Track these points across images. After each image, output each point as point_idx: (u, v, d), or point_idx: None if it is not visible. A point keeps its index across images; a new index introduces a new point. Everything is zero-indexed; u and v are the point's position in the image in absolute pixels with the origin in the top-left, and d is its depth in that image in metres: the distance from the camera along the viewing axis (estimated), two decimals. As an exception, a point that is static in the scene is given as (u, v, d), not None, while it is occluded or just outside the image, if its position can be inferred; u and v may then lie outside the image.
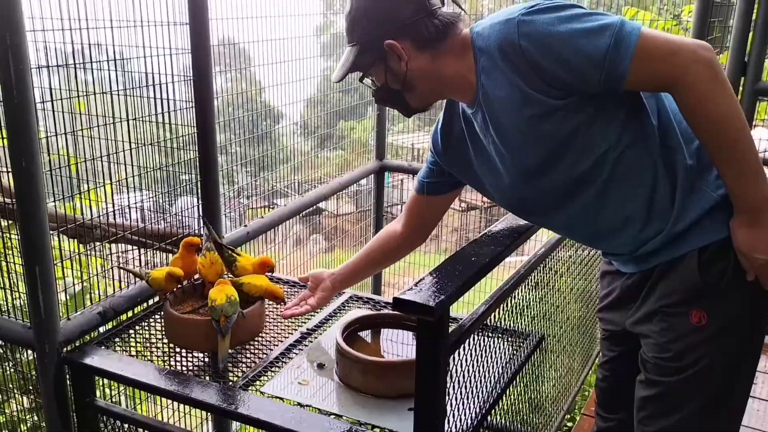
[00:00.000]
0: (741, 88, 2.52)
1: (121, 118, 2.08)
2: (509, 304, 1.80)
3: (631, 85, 1.25)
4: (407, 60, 1.40)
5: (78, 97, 2.01)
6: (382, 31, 1.39)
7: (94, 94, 2.02)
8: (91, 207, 2.16)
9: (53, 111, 1.88)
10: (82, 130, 2.05)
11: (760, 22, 2.43)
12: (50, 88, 1.96)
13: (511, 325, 1.86)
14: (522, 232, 1.70)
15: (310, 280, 1.99)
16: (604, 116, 1.32)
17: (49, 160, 2.04)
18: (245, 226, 2.53)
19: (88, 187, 2.14)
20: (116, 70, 2.08)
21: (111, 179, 2.11)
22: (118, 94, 2.07)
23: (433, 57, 1.41)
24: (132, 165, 2.13)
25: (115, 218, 2.19)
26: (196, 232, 2.33)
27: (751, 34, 2.46)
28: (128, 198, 2.30)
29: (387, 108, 3.84)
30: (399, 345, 1.92)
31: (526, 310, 1.95)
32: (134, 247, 2.26)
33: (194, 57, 2.16)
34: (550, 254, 2.03)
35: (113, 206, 2.18)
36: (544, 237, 2.39)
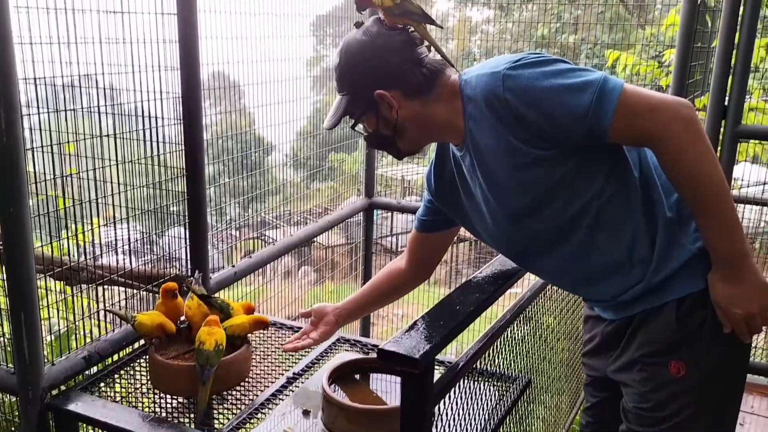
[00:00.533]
0: (722, 130, 2.58)
1: (110, 161, 2.09)
2: (496, 348, 1.80)
3: (613, 139, 1.28)
4: (397, 108, 1.44)
5: (68, 134, 2.03)
6: (371, 81, 1.43)
7: (85, 139, 2.03)
8: (78, 243, 2.16)
9: (42, 148, 1.89)
10: (70, 166, 2.06)
11: (738, 67, 2.49)
12: (39, 129, 1.98)
13: (498, 369, 1.87)
14: (510, 276, 1.71)
15: (313, 315, 1.95)
16: (588, 167, 1.35)
17: (37, 200, 2.05)
18: (233, 266, 2.54)
19: (75, 226, 2.14)
20: (105, 105, 2.09)
21: (99, 212, 2.12)
22: (108, 134, 2.09)
23: (423, 104, 1.44)
24: (120, 194, 2.13)
25: (102, 259, 2.18)
26: (185, 265, 2.33)
27: (730, 79, 2.51)
28: (116, 231, 2.30)
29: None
30: (387, 390, 1.92)
31: (512, 353, 1.96)
32: (121, 288, 2.26)
33: (184, 95, 2.17)
34: (536, 297, 2.04)
35: (100, 241, 2.18)
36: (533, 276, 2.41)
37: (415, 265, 1.84)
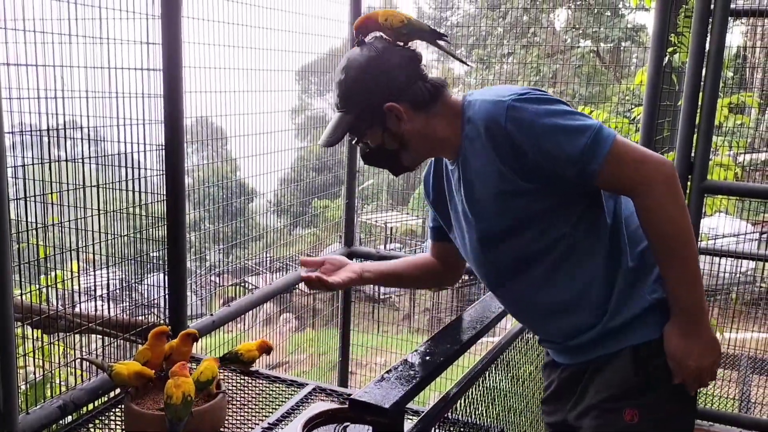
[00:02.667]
0: (689, 185, 2.67)
1: (92, 210, 2.13)
2: (469, 397, 1.82)
3: (599, 183, 1.37)
4: (405, 120, 1.47)
5: (51, 183, 2.07)
6: (380, 94, 1.45)
7: (68, 190, 2.07)
8: (57, 290, 2.17)
9: (25, 199, 1.93)
10: (53, 216, 2.10)
11: (703, 125, 2.60)
12: (24, 178, 2.02)
13: (471, 417, 1.89)
14: (484, 323, 1.75)
15: (327, 263, 1.73)
16: (566, 206, 1.43)
17: (18, 248, 2.07)
18: (211, 314, 2.55)
19: (55, 273, 2.16)
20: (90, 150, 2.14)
21: (78, 258, 2.14)
22: (91, 185, 2.13)
23: (427, 118, 1.48)
24: (101, 242, 2.16)
25: (80, 307, 2.20)
26: (164, 312, 2.35)
27: (695, 136, 2.62)
28: (95, 278, 2.32)
29: (356, 194, 3.92)
30: (361, 440, 1.93)
31: (486, 401, 1.98)
32: (98, 336, 2.26)
33: (167, 129, 2.21)
34: (510, 344, 2.08)
35: (79, 288, 2.20)
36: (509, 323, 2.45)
37: (444, 267, 1.80)
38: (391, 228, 6.30)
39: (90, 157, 2.13)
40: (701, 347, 1.37)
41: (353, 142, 1.56)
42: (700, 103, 2.63)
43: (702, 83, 2.62)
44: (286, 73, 3.13)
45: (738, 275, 4.64)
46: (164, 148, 2.21)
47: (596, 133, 1.33)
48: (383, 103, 1.45)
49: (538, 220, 1.43)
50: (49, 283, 2.16)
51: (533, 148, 1.34)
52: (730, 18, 2.64)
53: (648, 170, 1.33)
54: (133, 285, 2.56)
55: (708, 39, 2.58)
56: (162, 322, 2.32)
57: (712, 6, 2.58)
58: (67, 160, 2.08)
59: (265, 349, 2.25)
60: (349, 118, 1.49)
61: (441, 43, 1.58)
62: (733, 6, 2.70)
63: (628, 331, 1.44)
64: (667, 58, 3.07)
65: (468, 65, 1.72)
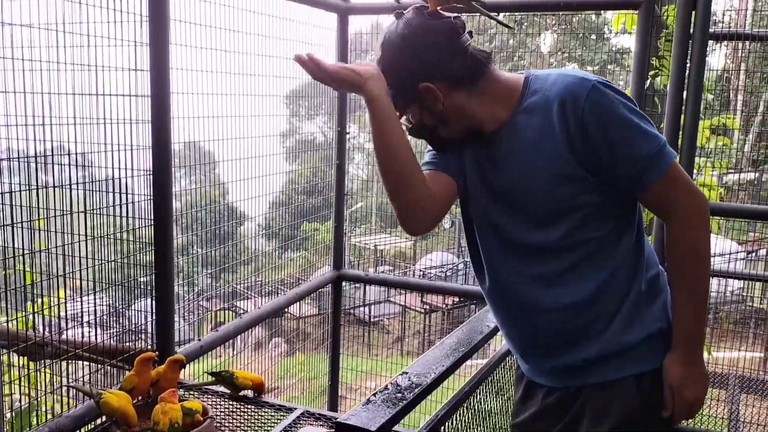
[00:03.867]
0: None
1: (80, 235, 2.12)
2: (457, 419, 1.82)
3: (645, 195, 1.38)
4: (443, 99, 1.43)
5: (38, 209, 2.07)
6: (415, 74, 1.41)
7: (55, 216, 2.07)
8: (43, 316, 2.16)
9: (12, 225, 1.93)
10: (40, 239, 2.09)
11: (685, 148, 2.64)
12: (11, 205, 2.02)
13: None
14: (472, 345, 1.75)
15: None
16: (610, 208, 1.41)
17: (5, 275, 2.06)
18: (199, 339, 2.54)
19: (42, 300, 2.15)
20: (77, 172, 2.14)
21: (65, 284, 2.13)
22: (78, 210, 2.13)
23: (469, 93, 1.43)
24: (88, 269, 2.15)
25: (66, 333, 2.19)
26: (152, 338, 2.33)
27: (678, 158, 2.67)
28: (82, 304, 2.31)
29: (345, 217, 3.92)
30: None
31: (474, 423, 1.98)
32: (86, 363, 2.25)
33: (155, 153, 2.21)
34: (498, 365, 2.08)
35: (66, 314, 2.18)
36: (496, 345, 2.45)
37: (431, 200, 1.50)
38: (381, 250, 6.31)
39: (78, 183, 2.14)
40: (698, 378, 1.39)
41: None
42: (682, 124, 2.68)
43: (683, 106, 2.66)
44: (274, 98, 3.16)
45: (727, 295, 4.68)
46: (152, 173, 2.22)
47: (663, 146, 1.34)
48: (417, 83, 1.41)
49: (579, 213, 1.39)
50: (36, 310, 2.15)
51: (600, 133, 1.31)
52: (710, 41, 2.70)
53: (693, 201, 1.36)
54: (121, 311, 2.55)
55: (688, 62, 2.64)
56: (149, 347, 2.31)
57: (692, 30, 2.63)
58: (54, 186, 2.08)
59: (258, 387, 2.29)
60: (391, 92, 1.43)
61: (476, 5, 1.49)
62: (712, 30, 2.76)
63: (630, 357, 1.42)
64: (649, 81, 3.13)
65: (508, 27, 1.69)
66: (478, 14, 1.59)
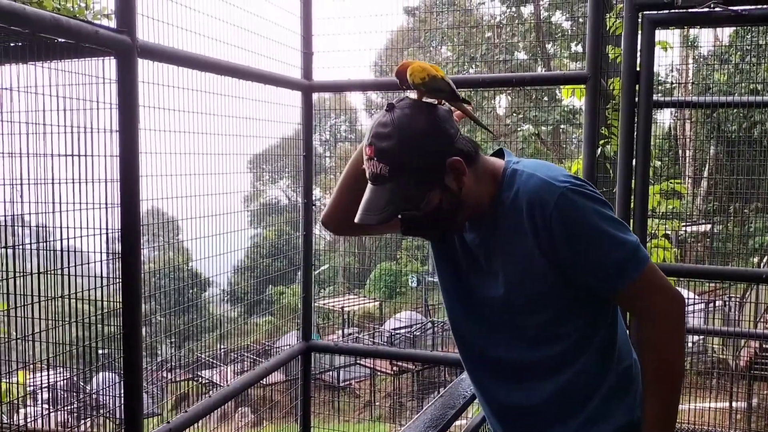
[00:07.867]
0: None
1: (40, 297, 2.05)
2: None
3: (618, 299, 1.37)
4: (467, 174, 1.35)
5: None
6: (439, 151, 1.32)
7: (8, 278, 2.01)
8: (1, 402, 2.05)
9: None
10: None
11: (638, 212, 2.73)
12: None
13: None
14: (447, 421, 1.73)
15: None
16: (580, 305, 1.39)
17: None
18: (168, 423, 2.40)
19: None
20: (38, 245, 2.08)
21: (25, 360, 2.03)
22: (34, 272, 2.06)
23: (474, 175, 1.38)
24: (47, 342, 2.06)
25: (26, 421, 2.08)
26: (116, 414, 2.22)
27: (632, 221, 2.75)
28: (41, 378, 2.21)
29: (313, 286, 3.84)
30: None
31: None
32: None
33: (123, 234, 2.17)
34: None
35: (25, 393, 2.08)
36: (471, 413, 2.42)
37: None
38: (348, 312, 6.26)
39: (36, 245, 2.06)
40: None
41: (403, 210, 1.36)
42: (632, 188, 2.75)
43: (633, 172, 2.75)
44: (239, 157, 3.17)
45: (688, 345, 4.75)
46: (120, 231, 2.15)
47: (635, 251, 1.31)
48: (445, 159, 1.32)
49: (551, 310, 1.38)
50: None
51: (567, 242, 1.30)
52: (654, 108, 2.83)
53: (665, 301, 1.34)
54: (80, 386, 2.44)
55: (635, 131, 2.72)
56: (114, 426, 2.20)
57: (636, 99, 2.73)
58: (5, 247, 2.01)
59: None
60: (405, 184, 1.31)
61: (463, 106, 1.45)
62: (656, 97, 2.89)
63: None
64: (600, 150, 3.26)
65: (492, 133, 1.70)
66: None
